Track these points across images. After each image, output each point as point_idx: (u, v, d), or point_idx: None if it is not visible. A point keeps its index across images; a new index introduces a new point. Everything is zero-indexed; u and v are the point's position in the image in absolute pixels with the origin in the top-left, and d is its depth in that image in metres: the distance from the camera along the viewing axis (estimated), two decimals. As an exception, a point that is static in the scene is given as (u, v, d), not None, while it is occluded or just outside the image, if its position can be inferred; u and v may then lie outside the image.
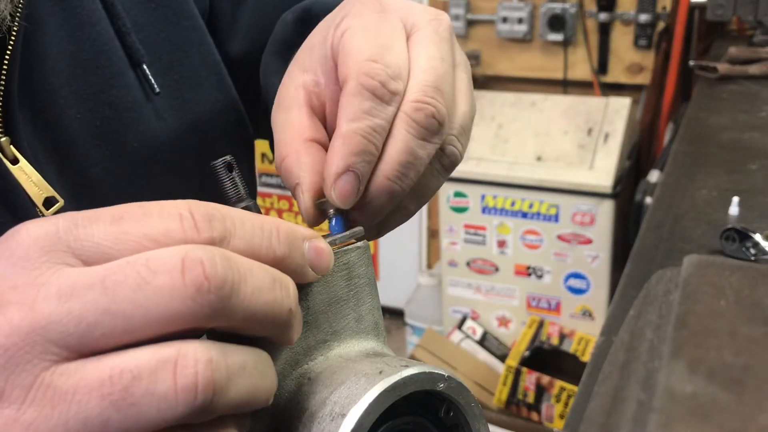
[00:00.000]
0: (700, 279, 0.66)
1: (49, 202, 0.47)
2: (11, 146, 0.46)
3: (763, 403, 0.35)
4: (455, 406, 0.35)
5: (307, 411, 0.34)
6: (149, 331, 0.28)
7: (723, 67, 1.57)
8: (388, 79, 0.39)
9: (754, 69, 1.56)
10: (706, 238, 0.87)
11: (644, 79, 2.31)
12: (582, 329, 2.20)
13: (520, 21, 2.37)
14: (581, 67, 2.37)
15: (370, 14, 0.42)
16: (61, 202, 0.47)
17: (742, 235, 0.80)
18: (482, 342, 2.31)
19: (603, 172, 2.05)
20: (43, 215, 0.46)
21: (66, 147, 0.50)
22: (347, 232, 0.39)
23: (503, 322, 2.33)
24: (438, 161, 0.43)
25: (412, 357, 2.27)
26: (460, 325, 2.34)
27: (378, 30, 0.41)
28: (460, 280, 2.32)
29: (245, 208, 0.37)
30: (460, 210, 2.23)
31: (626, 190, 2.14)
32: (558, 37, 2.33)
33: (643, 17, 2.23)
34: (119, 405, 0.27)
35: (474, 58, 2.48)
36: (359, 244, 0.39)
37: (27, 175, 0.46)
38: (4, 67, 0.46)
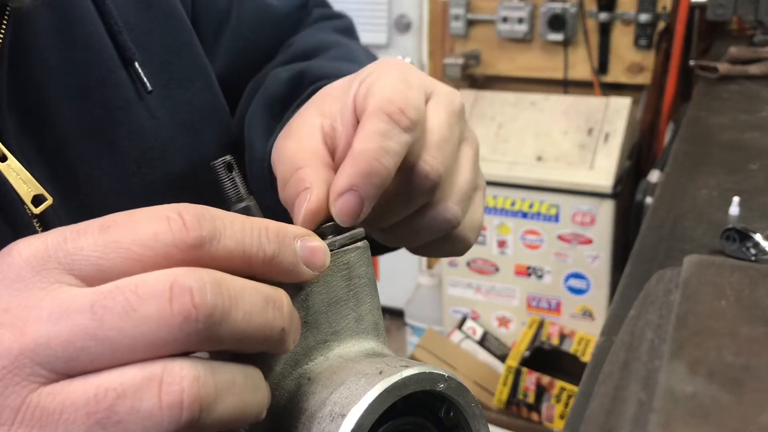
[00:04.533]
0: (700, 279, 0.66)
1: (38, 200, 0.46)
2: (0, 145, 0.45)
3: (763, 403, 0.35)
4: (455, 406, 0.35)
5: (307, 411, 0.34)
6: (135, 357, 0.28)
7: (723, 67, 1.57)
8: (408, 106, 0.40)
9: (754, 69, 1.56)
10: (706, 238, 0.87)
11: (644, 79, 2.31)
12: (582, 329, 2.20)
13: (520, 21, 2.37)
14: (581, 67, 2.37)
15: (396, 73, 0.43)
16: (49, 200, 0.46)
17: (743, 235, 0.80)
18: (482, 342, 2.31)
19: (603, 172, 2.05)
20: (32, 213, 0.46)
21: (56, 145, 0.50)
22: (347, 234, 0.39)
23: (503, 322, 2.33)
24: (436, 227, 0.44)
25: (412, 357, 2.27)
26: (460, 326, 2.34)
27: (402, 83, 0.42)
28: (460, 280, 2.32)
29: (245, 207, 0.37)
30: (460, 210, 2.23)
31: (626, 190, 2.14)
32: (558, 37, 2.33)
33: (644, 17, 2.23)
34: (104, 423, 0.27)
35: (474, 58, 2.48)
36: (359, 244, 0.39)
37: (15, 173, 0.46)
38: None
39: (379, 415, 0.31)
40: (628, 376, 0.53)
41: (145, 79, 0.55)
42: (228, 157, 0.37)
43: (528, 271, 2.22)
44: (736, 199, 0.93)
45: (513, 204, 2.17)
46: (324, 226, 0.39)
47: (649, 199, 1.75)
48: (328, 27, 0.72)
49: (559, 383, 2.05)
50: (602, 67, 2.35)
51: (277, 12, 0.70)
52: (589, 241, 2.10)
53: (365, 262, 0.39)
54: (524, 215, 2.16)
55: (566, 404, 2.05)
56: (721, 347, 0.50)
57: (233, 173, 0.37)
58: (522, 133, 2.20)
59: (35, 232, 0.47)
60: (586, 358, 2.09)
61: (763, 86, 1.50)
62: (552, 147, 2.15)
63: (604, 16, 2.28)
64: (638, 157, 2.34)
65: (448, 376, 0.33)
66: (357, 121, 0.42)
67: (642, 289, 0.73)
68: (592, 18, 2.31)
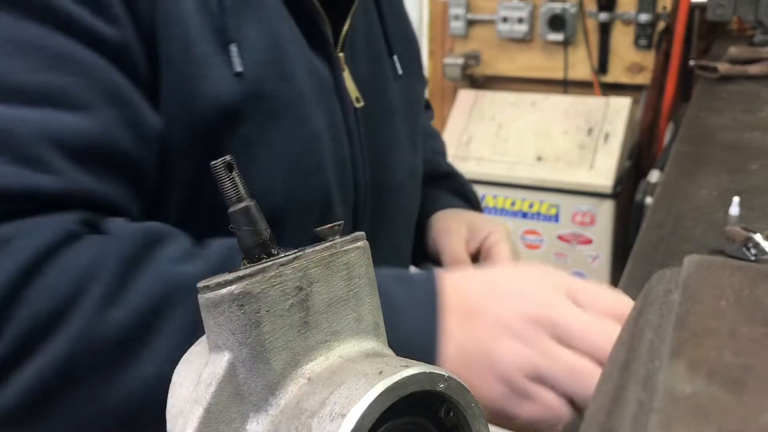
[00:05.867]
0: (700, 279, 0.66)
1: (356, 100, 0.77)
2: (343, 61, 0.75)
3: (763, 404, 0.34)
4: (455, 406, 0.35)
5: (307, 411, 0.34)
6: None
7: (723, 67, 1.57)
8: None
9: (754, 69, 1.56)
10: (706, 238, 0.87)
11: (644, 79, 2.31)
12: (582, 329, 2.20)
13: (520, 21, 2.37)
14: (581, 67, 2.37)
15: (507, 242, 0.87)
16: (362, 102, 0.77)
17: (743, 236, 0.80)
18: (482, 342, 2.31)
19: (603, 172, 2.05)
20: (353, 106, 0.75)
21: (365, 74, 0.80)
22: (348, 236, 0.39)
23: (503, 322, 2.33)
24: None
25: (413, 357, 2.26)
26: (460, 325, 2.34)
27: (510, 250, 0.87)
28: (460, 280, 2.32)
29: (245, 207, 0.37)
30: (460, 210, 2.23)
31: (626, 190, 2.14)
32: (558, 37, 2.33)
33: (644, 17, 2.23)
34: (521, 388, 0.55)
35: (474, 58, 2.48)
36: (359, 244, 0.39)
37: (349, 80, 0.76)
38: (354, 7, 0.75)
39: (379, 415, 0.31)
40: (628, 376, 0.53)
41: (398, 66, 0.86)
42: (228, 157, 0.37)
43: (528, 271, 2.22)
44: (736, 199, 0.93)
45: (513, 204, 2.17)
46: (325, 227, 0.39)
47: (649, 199, 1.75)
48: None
49: (559, 383, 2.05)
50: (602, 67, 2.35)
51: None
52: (589, 241, 2.10)
53: (365, 262, 0.39)
54: (524, 215, 2.16)
55: (566, 404, 2.04)
56: (721, 347, 0.50)
57: (233, 173, 0.37)
58: (522, 133, 2.20)
59: (358, 120, 0.76)
60: (586, 358, 2.08)
61: (763, 86, 1.50)
62: (552, 147, 2.15)
63: (604, 16, 2.28)
64: (638, 157, 2.33)
65: (448, 376, 0.33)
66: (477, 249, 0.86)
67: (642, 289, 0.73)
68: (592, 18, 2.31)
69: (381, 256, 0.82)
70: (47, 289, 0.49)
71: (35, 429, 0.52)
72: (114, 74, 0.57)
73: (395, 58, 0.87)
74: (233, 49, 0.62)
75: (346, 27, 0.75)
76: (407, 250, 0.93)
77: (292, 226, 0.67)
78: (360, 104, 0.78)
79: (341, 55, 0.75)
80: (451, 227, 0.89)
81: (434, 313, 0.56)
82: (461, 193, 1.00)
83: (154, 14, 0.59)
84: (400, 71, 0.87)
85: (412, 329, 0.55)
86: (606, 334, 0.53)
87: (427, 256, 0.94)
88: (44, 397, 0.50)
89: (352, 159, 0.76)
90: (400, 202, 0.86)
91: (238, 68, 0.62)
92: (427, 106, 1.10)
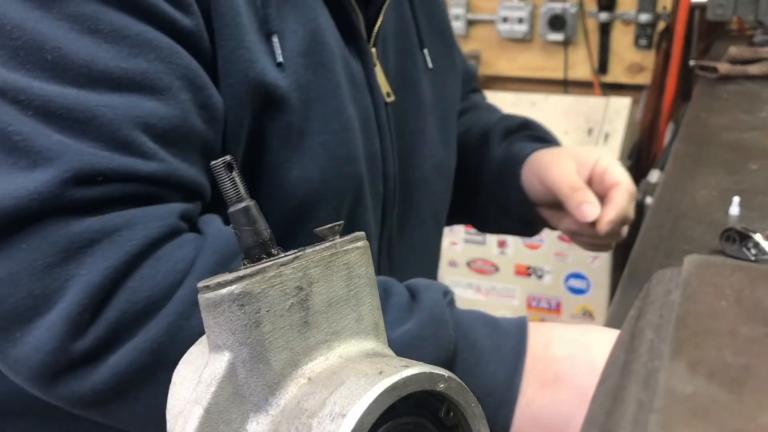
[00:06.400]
0: (700, 279, 0.66)
1: (387, 95, 0.79)
2: (375, 55, 0.77)
3: (763, 404, 0.34)
4: (455, 406, 0.35)
5: (307, 411, 0.34)
6: None
7: (723, 67, 1.56)
8: (633, 191, 0.86)
9: (754, 69, 1.56)
10: (706, 238, 0.87)
11: (644, 79, 2.31)
12: (582, 329, 2.20)
13: (520, 21, 2.37)
14: (581, 67, 2.37)
15: (619, 165, 0.89)
16: (392, 96, 0.79)
17: (743, 235, 0.80)
18: (482, 342, 2.31)
19: (603, 172, 2.05)
20: (384, 101, 0.77)
21: (396, 69, 0.82)
22: (348, 236, 0.39)
23: (503, 322, 2.33)
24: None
25: (413, 357, 2.27)
26: (460, 325, 2.34)
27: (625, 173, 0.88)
28: (460, 280, 2.32)
29: (245, 207, 0.37)
30: (460, 210, 2.23)
31: (626, 190, 2.14)
32: (558, 37, 2.33)
33: (644, 17, 2.23)
34: None
35: (474, 58, 2.48)
36: (359, 244, 0.39)
37: (381, 74, 0.78)
38: (387, 2, 0.76)
39: (379, 415, 0.31)
40: (628, 376, 0.53)
41: (428, 59, 0.87)
42: (228, 157, 0.37)
43: (528, 271, 2.22)
44: (736, 199, 0.93)
45: (513, 204, 2.17)
46: (325, 227, 0.39)
47: (649, 199, 1.75)
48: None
49: (559, 383, 2.05)
50: (602, 67, 2.35)
51: (468, 74, 1.07)
52: (589, 241, 2.10)
53: (365, 262, 0.39)
54: (524, 215, 2.16)
55: (566, 404, 2.05)
56: (721, 347, 0.50)
57: (233, 173, 0.37)
58: (522, 133, 2.19)
59: (388, 114, 0.78)
60: (586, 358, 2.08)
61: (763, 86, 1.50)
62: (552, 147, 2.14)
63: (604, 16, 2.28)
64: (638, 157, 2.33)
65: (448, 376, 0.33)
66: (588, 178, 0.85)
67: (642, 289, 0.73)
68: (592, 18, 2.31)
69: (409, 249, 0.83)
70: (148, 279, 0.53)
71: (116, 414, 0.55)
72: (189, 59, 0.60)
73: (426, 51, 0.87)
74: (275, 40, 0.65)
75: (379, 22, 0.76)
76: (436, 244, 0.95)
77: (325, 214, 0.70)
78: (391, 98, 0.79)
79: (373, 50, 0.77)
80: (556, 160, 0.88)
81: (520, 368, 0.57)
82: (544, 139, 0.98)
83: (210, 4, 0.62)
84: (430, 65, 0.87)
85: (495, 378, 0.57)
86: None
87: (504, 213, 0.95)
88: (131, 383, 0.53)
89: (383, 152, 0.77)
90: (427, 196, 0.87)
91: (279, 59, 0.65)
92: (476, 89, 1.10)
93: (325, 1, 0.71)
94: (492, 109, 1.07)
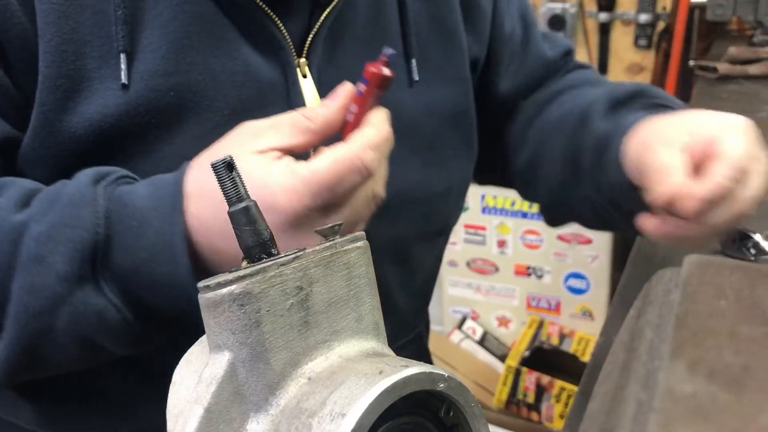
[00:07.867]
0: (700, 279, 0.65)
1: None
2: (306, 66, 0.68)
3: (763, 403, 0.35)
4: (455, 406, 0.35)
5: (307, 411, 0.34)
6: None
7: (723, 67, 1.57)
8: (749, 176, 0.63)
9: (754, 69, 1.56)
10: (706, 238, 0.87)
11: (644, 79, 2.31)
12: (582, 329, 2.20)
13: (520, 21, 2.37)
14: (581, 67, 2.37)
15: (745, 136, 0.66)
16: None
17: (742, 235, 0.80)
18: (482, 342, 2.31)
19: (603, 172, 2.05)
20: None
21: (355, 80, 0.67)
22: (348, 236, 0.39)
23: (503, 322, 2.33)
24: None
25: (412, 357, 2.26)
26: (460, 325, 2.34)
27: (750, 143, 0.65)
28: (460, 280, 2.32)
29: (245, 207, 0.37)
30: (460, 210, 2.23)
31: (626, 190, 2.14)
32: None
33: (643, 17, 2.23)
34: None
35: (474, 58, 2.48)
36: (359, 244, 0.39)
37: (311, 89, 0.68)
38: (327, 11, 0.68)
39: (379, 414, 0.31)
40: (628, 376, 0.53)
41: (415, 71, 0.76)
42: (228, 157, 0.37)
43: (528, 271, 2.22)
44: (735, 199, 0.93)
45: (513, 204, 2.17)
46: (326, 227, 0.39)
47: (648, 199, 1.75)
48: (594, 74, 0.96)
49: (559, 383, 2.05)
50: (602, 67, 2.35)
51: (549, 59, 0.92)
52: (588, 241, 2.10)
53: (365, 262, 0.39)
54: (524, 215, 2.16)
55: (566, 404, 2.05)
56: (720, 347, 0.50)
57: (233, 173, 0.37)
58: (522, 133, 2.20)
59: None
60: (586, 358, 2.09)
61: (762, 86, 1.50)
62: (552, 147, 2.14)
63: (603, 16, 2.28)
64: (638, 157, 2.34)
65: (448, 376, 0.34)
66: (697, 149, 0.64)
67: (642, 289, 0.73)
68: (591, 18, 2.31)
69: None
70: None
71: None
72: None
73: (414, 62, 0.77)
74: (122, 59, 0.61)
75: (315, 29, 0.69)
76: (396, 282, 0.82)
77: None
78: None
79: (302, 60, 0.69)
80: (662, 134, 0.68)
81: (178, 217, 0.55)
82: (658, 105, 0.77)
83: (34, 18, 0.59)
84: (416, 77, 0.76)
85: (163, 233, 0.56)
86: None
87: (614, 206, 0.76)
88: None
89: None
90: (382, 225, 0.68)
91: (124, 80, 0.61)
92: (583, 66, 0.96)
93: (226, 11, 0.65)
94: (600, 83, 0.89)
